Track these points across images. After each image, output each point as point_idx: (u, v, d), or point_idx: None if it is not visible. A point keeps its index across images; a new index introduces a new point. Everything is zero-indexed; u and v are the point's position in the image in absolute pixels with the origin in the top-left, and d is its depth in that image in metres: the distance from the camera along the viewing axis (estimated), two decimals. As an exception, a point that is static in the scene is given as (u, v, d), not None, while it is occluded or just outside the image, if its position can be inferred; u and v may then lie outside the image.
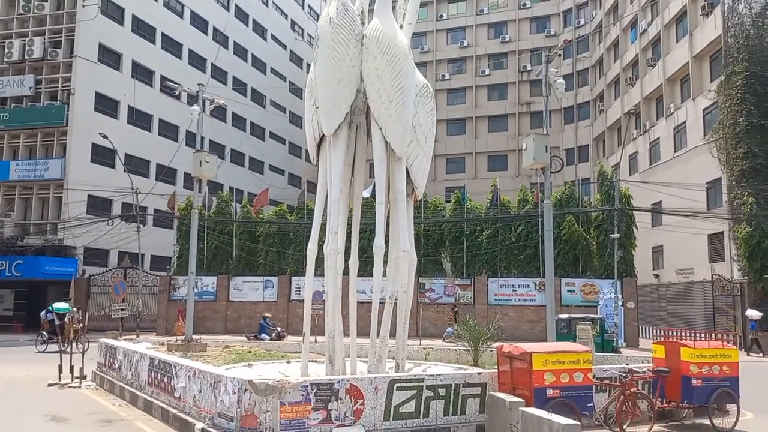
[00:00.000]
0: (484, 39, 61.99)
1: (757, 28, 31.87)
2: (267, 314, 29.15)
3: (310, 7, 66.63)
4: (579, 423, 7.49)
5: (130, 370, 13.10)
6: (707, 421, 10.52)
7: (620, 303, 28.22)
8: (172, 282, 34.71)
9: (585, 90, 57.46)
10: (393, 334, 11.58)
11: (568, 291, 30.32)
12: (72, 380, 15.09)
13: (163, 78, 42.57)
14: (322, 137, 11.82)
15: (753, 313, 26.84)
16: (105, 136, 31.52)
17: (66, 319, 25.60)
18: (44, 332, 24.11)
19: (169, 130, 44.46)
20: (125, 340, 17.15)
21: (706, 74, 36.39)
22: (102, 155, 38.21)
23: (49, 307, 25.48)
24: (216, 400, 9.03)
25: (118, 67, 40.62)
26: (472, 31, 62.04)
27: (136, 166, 39.89)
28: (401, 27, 12.23)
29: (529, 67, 58.69)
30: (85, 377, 15.37)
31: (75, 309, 26.69)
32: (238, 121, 52.87)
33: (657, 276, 39.65)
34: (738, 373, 10.76)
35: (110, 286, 32.85)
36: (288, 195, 49.75)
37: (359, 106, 11.75)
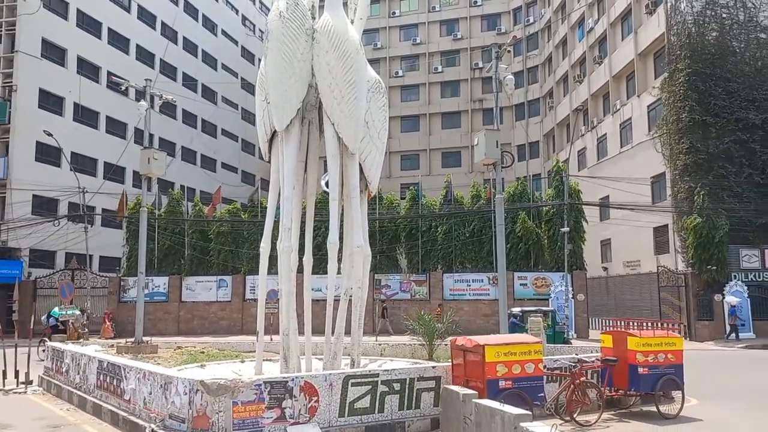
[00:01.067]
0: (436, 36, 62.42)
1: (699, 27, 32.92)
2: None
3: (261, 2, 65.85)
4: (530, 413, 7.62)
5: (78, 373, 12.75)
6: (654, 408, 10.83)
7: (570, 295, 28.89)
8: (121, 283, 33.96)
9: (535, 87, 58.46)
10: (348, 331, 11.57)
11: (521, 284, 30.86)
12: (17, 385, 14.61)
13: (110, 74, 41.46)
14: (274, 133, 11.70)
15: (732, 299, 27.70)
16: (50, 134, 30.56)
17: (70, 323, 24.77)
18: (46, 338, 22.16)
19: (116, 128, 43.40)
20: (73, 343, 16.67)
21: (650, 71, 37.42)
22: (47, 154, 37.03)
23: (51, 312, 24.61)
24: (167, 402, 8.86)
25: (62, 63, 39.43)
26: (424, 28, 62.41)
27: (83, 164, 38.82)
28: (352, 22, 12.19)
29: (480, 65, 59.38)
30: (31, 382, 14.90)
31: (80, 312, 25.78)
32: (189, 118, 51.94)
33: (605, 268, 40.68)
34: (682, 360, 11.12)
35: (57, 289, 31.86)
36: (241, 193, 49.15)
37: (311, 102, 11.66)
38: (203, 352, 15.29)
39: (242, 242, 34.54)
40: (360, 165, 11.83)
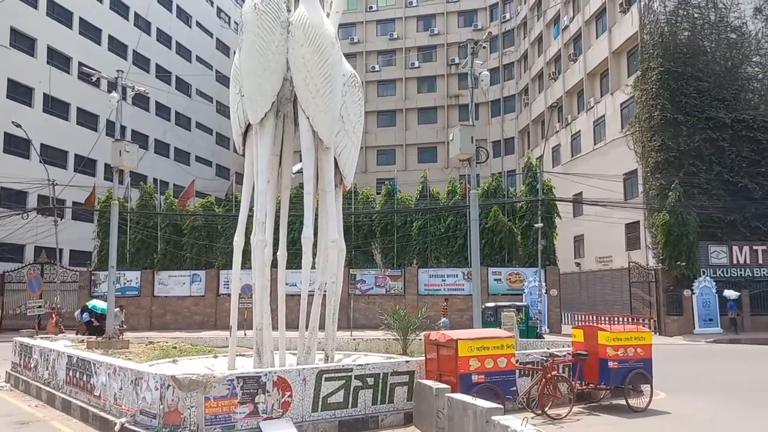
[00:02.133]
0: (413, 31, 62.44)
1: (671, 26, 33.39)
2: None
3: (237, -6, 65.24)
4: (502, 406, 7.68)
5: (47, 369, 12.53)
6: (623, 402, 10.98)
7: (544, 291, 29.18)
8: (92, 278, 33.43)
9: (511, 84, 58.81)
10: (322, 326, 11.54)
11: (495, 280, 31.08)
12: (-17, 382, 14.33)
13: (81, 64, 40.72)
14: (248, 126, 11.60)
15: (731, 293, 28.16)
16: (18, 125, 29.95)
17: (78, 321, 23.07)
18: (80, 335, 21.00)
19: (88, 119, 42.69)
20: (42, 338, 16.38)
21: (623, 69, 37.88)
22: (15, 145, 36.30)
23: (88, 305, 22.81)
24: (138, 397, 8.75)
25: (32, 53, 38.65)
26: (401, 23, 62.37)
27: (53, 156, 38.14)
28: (328, 15, 12.12)
29: (457, 61, 59.51)
30: (-3, 378, 14.62)
31: (118, 309, 24.12)
32: (163, 111, 51.29)
33: (578, 264, 41.17)
34: (651, 354, 11.30)
35: (25, 283, 31.31)
36: (216, 187, 48.62)
37: (286, 95, 11.58)
38: (175, 348, 15.13)
39: (216, 237, 34.19)
40: (335, 159, 11.78)
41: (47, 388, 12.23)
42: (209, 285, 33.21)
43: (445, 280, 31.57)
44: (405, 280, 32.07)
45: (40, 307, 24.76)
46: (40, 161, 33.49)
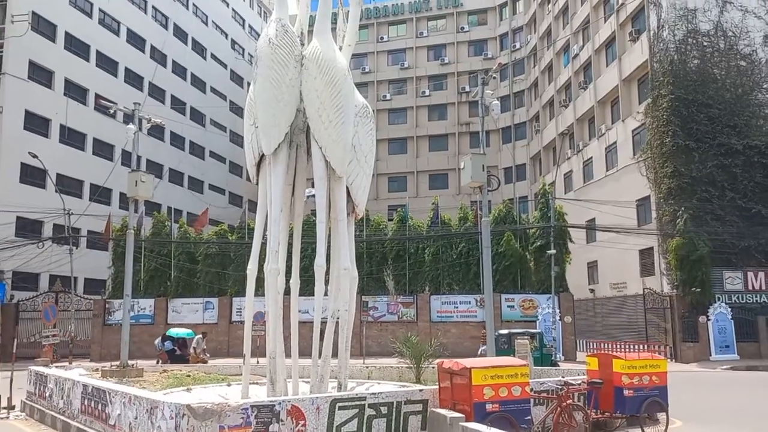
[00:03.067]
0: (424, 61, 63.15)
1: (681, 54, 33.61)
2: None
3: (250, 26, 66.44)
4: (516, 436, 7.65)
5: (62, 398, 12.61)
6: (638, 430, 10.88)
7: (558, 317, 28.98)
8: (106, 306, 33.59)
9: (521, 111, 59.11)
10: (335, 354, 11.57)
11: (508, 306, 30.90)
12: (-1, 411, 14.42)
13: (97, 96, 41.54)
14: (262, 156, 11.81)
15: None
16: (35, 156, 30.44)
17: (192, 348, 22.62)
18: (161, 364, 20.54)
19: (104, 150, 43.35)
20: (57, 367, 16.49)
21: (634, 97, 38.04)
22: (32, 175, 36.87)
23: (168, 333, 22.35)
24: (153, 426, 8.80)
25: (49, 85, 39.45)
26: (412, 53, 63.13)
27: (69, 186, 38.65)
28: (341, 48, 12.40)
29: (467, 89, 60.05)
30: (13, 407, 14.70)
31: (201, 336, 23.75)
32: (177, 140, 51.98)
33: (592, 290, 40.88)
34: (666, 382, 11.20)
35: (41, 312, 31.54)
36: (229, 215, 49.06)
37: (299, 126, 11.81)
38: (189, 376, 15.17)
39: (229, 264, 34.36)
40: (347, 188, 11.95)
41: (62, 418, 12.29)
42: (222, 312, 33.26)
43: (457, 307, 31.43)
44: (417, 307, 31.96)
45: (54, 336, 24.89)
46: (56, 191, 33.96)
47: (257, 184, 12.24)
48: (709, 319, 28.65)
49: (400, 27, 64.52)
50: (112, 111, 21.66)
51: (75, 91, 41.49)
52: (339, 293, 11.61)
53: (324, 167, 11.42)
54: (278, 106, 11.16)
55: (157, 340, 22.69)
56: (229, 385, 13.92)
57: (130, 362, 19.32)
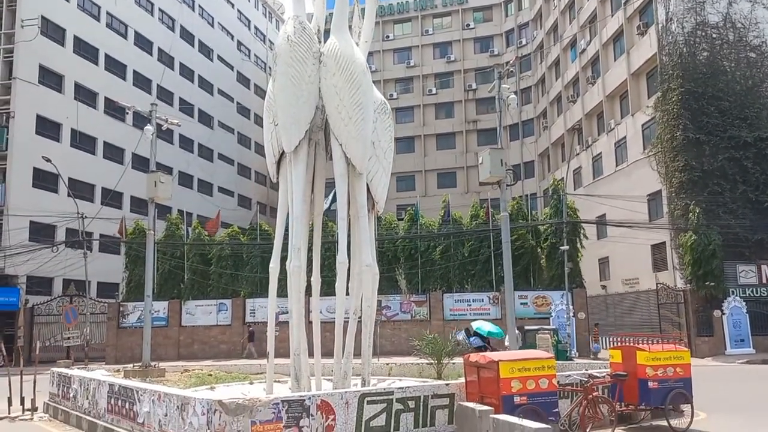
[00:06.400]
0: (430, 59, 63.13)
1: (690, 47, 33.47)
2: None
3: (256, 27, 66.54)
4: (550, 426, 7.66)
5: (87, 398, 12.69)
6: (664, 422, 10.85)
7: (571, 314, 28.94)
8: (121, 309, 33.76)
9: (529, 108, 58.98)
10: (357, 350, 11.61)
11: (521, 303, 30.84)
12: (23, 412, 14.50)
13: (107, 100, 41.72)
14: (282, 154, 11.86)
15: None
16: (48, 160, 30.59)
17: (490, 344, 20.27)
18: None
19: (114, 153, 43.51)
20: (77, 369, 16.58)
21: (643, 91, 37.90)
22: (44, 180, 37.04)
23: (473, 327, 20.37)
24: (184, 423, 8.85)
25: (59, 89, 39.61)
26: (418, 51, 63.15)
27: (81, 190, 38.79)
28: (357, 45, 12.43)
29: (474, 86, 60.08)
30: (36, 409, 14.79)
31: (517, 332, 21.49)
32: (186, 143, 52.11)
33: (604, 286, 40.77)
34: (690, 374, 11.18)
35: (55, 316, 31.78)
36: (238, 216, 49.18)
37: (317, 123, 11.84)
38: (211, 375, 15.26)
39: (242, 265, 34.46)
40: (367, 184, 11.99)
41: (88, 417, 12.36)
42: (236, 314, 33.38)
43: (470, 305, 31.42)
44: (430, 306, 31.97)
45: (77, 337, 25.00)
46: (69, 195, 34.11)
47: (277, 181, 12.29)
48: (723, 313, 28.58)
49: (405, 25, 64.53)
50: (128, 111, 21.75)
51: (85, 95, 41.65)
52: (361, 290, 11.65)
53: (344, 164, 11.46)
54: (298, 104, 11.21)
55: (461, 335, 20.06)
56: (251, 383, 13.98)
57: (151, 363, 19.42)
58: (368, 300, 11.61)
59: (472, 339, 20.24)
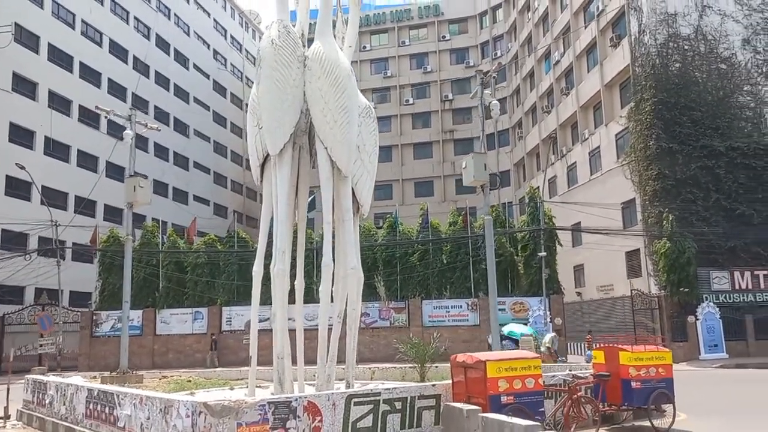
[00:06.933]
0: (406, 69, 63.56)
1: (662, 58, 34.17)
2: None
3: (232, 37, 66.35)
4: (539, 424, 7.72)
5: (64, 404, 12.43)
6: (646, 423, 10.98)
7: (549, 320, 29.17)
8: (94, 318, 33.17)
9: (504, 118, 59.44)
10: (341, 355, 11.54)
11: (500, 309, 30.82)
12: (-5, 421, 14.17)
13: (81, 107, 41.21)
14: (266, 158, 11.81)
15: None
16: (22, 167, 30.10)
17: (543, 346, 20.58)
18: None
19: (88, 161, 42.93)
20: (52, 375, 16.25)
21: (616, 101, 38.57)
22: (17, 188, 36.39)
23: (507, 333, 20.41)
24: (168, 426, 8.72)
25: (33, 97, 39.03)
26: (395, 61, 63.53)
27: (54, 198, 38.16)
28: (341, 49, 12.47)
29: (450, 96, 60.57)
30: (9, 416, 14.46)
31: (554, 334, 21.33)
32: (161, 151, 51.62)
33: (579, 293, 41.20)
34: (672, 374, 11.34)
35: (27, 325, 31.11)
36: (214, 225, 48.73)
37: (302, 128, 11.81)
38: (190, 381, 15.05)
39: (219, 273, 34.10)
40: (352, 188, 11.99)
41: (65, 423, 12.11)
42: (212, 322, 32.97)
43: (449, 311, 31.49)
44: (409, 312, 31.96)
45: (52, 344, 24.49)
46: (42, 203, 33.52)
47: (261, 184, 12.23)
48: (697, 319, 29.02)
49: (382, 36, 64.94)
50: (106, 117, 21.49)
51: (59, 103, 41.07)
52: (345, 293, 11.62)
53: (329, 167, 11.44)
54: (283, 107, 11.18)
55: (490, 338, 19.57)
56: (231, 389, 13.83)
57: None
58: (353, 303, 11.58)
59: (504, 343, 20.12)
